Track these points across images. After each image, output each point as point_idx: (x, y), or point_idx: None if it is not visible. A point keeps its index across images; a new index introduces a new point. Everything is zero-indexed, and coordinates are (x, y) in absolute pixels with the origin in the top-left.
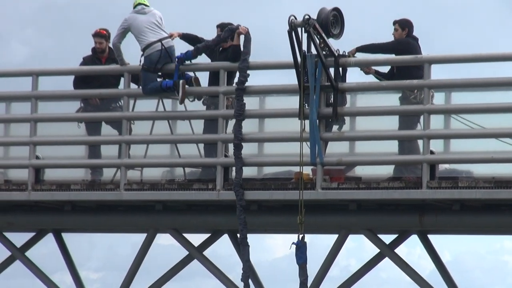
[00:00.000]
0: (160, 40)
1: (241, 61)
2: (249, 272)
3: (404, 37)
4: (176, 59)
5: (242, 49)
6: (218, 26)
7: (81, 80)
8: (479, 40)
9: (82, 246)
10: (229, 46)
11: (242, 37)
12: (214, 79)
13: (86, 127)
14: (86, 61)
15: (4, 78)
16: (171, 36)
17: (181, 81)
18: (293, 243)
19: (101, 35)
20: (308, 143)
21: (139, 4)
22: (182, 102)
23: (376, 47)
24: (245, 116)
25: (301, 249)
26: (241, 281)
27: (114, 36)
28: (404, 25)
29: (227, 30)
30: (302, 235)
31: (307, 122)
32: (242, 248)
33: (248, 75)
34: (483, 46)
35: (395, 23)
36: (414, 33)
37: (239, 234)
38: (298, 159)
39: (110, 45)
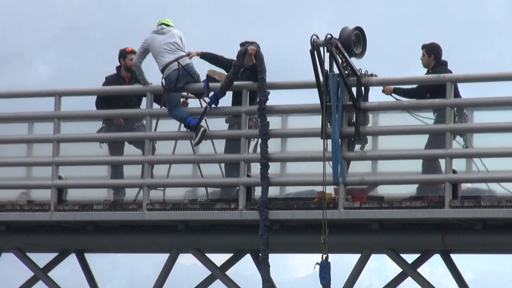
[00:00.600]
0: (176, 60)
1: (259, 80)
2: None
3: (432, 65)
4: (207, 104)
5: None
6: (241, 45)
7: (104, 100)
8: (502, 58)
9: (105, 267)
10: (249, 65)
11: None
12: (237, 99)
13: (109, 147)
14: (109, 80)
15: (26, 99)
16: (188, 54)
17: (202, 129)
18: (317, 263)
19: (134, 52)
20: (331, 162)
21: (161, 24)
22: (195, 145)
23: (409, 92)
24: (270, 135)
25: (325, 269)
26: None
27: (135, 56)
28: (430, 51)
29: (239, 57)
30: (325, 255)
31: (329, 141)
32: (263, 268)
33: (268, 93)
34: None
35: (423, 47)
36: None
37: (261, 254)
38: (321, 179)
39: None
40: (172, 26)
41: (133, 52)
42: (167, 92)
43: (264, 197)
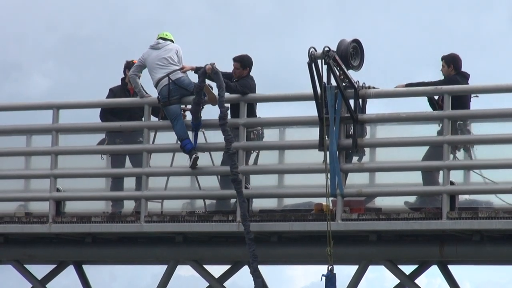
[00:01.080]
0: (167, 75)
1: (218, 97)
2: None
3: (453, 75)
4: (193, 127)
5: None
6: (234, 60)
7: (109, 112)
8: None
9: (103, 278)
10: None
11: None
12: (234, 111)
13: (111, 159)
14: (114, 92)
15: (25, 112)
16: (182, 68)
17: (194, 156)
18: (323, 275)
19: None
20: (329, 174)
21: (159, 38)
22: (189, 167)
23: (425, 85)
24: (264, 148)
25: (331, 280)
26: None
27: (132, 68)
28: (449, 61)
29: (199, 75)
30: (331, 266)
31: (327, 153)
32: (254, 280)
33: (227, 108)
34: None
35: (442, 59)
36: (434, 64)
37: (250, 267)
38: (318, 191)
39: None
40: (170, 40)
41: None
42: (163, 107)
43: (243, 211)
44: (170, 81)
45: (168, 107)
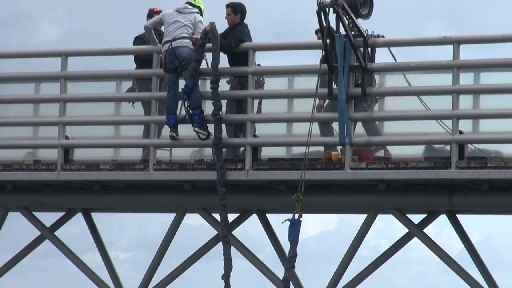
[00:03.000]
0: (171, 40)
1: (212, 59)
2: (229, 270)
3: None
4: (184, 97)
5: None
6: (226, 6)
7: (143, 61)
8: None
9: (112, 226)
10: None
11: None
12: (234, 59)
13: (143, 106)
14: (144, 38)
15: (34, 59)
16: (191, 39)
17: (170, 134)
18: (286, 219)
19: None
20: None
21: (187, 2)
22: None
23: None
24: (273, 96)
25: (294, 227)
26: (221, 279)
27: (150, 21)
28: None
29: (201, 34)
30: (298, 213)
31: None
32: (224, 247)
33: (219, 73)
34: None
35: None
36: (441, 16)
37: (221, 233)
38: (326, 140)
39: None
40: (198, 7)
41: (160, 12)
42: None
43: (221, 177)
44: (171, 47)
45: (166, 73)
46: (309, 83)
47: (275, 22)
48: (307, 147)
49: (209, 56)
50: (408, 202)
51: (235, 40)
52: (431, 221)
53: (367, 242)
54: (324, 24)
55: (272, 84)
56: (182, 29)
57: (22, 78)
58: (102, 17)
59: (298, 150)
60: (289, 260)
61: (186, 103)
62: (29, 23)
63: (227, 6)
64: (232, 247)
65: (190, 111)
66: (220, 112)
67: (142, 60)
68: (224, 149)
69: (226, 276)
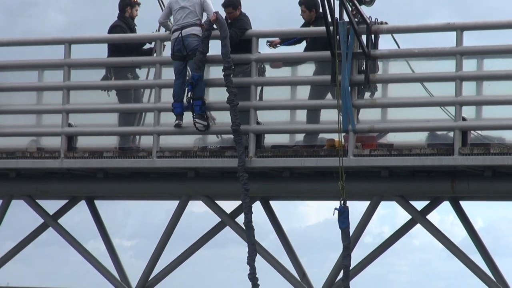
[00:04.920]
0: (181, 29)
1: (222, 47)
2: (254, 254)
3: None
4: (189, 88)
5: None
6: (225, 6)
7: (113, 51)
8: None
9: (116, 214)
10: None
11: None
12: (235, 48)
13: (117, 94)
14: (122, 28)
15: (38, 47)
16: (201, 25)
17: (176, 122)
18: (335, 208)
19: (139, 4)
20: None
21: None
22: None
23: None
24: (277, 83)
25: (344, 214)
26: (246, 264)
27: (160, 15)
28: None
29: (206, 25)
30: (343, 200)
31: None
32: (247, 232)
33: (231, 60)
34: None
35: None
36: (446, 4)
37: (245, 218)
38: (328, 126)
39: None
40: None
41: (138, 4)
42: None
43: (242, 162)
44: (180, 36)
45: (174, 61)
46: (310, 70)
47: (278, 9)
48: (340, 134)
49: (218, 44)
50: (411, 189)
51: (240, 29)
52: (434, 207)
53: (370, 229)
54: (328, 11)
55: (273, 72)
56: (190, 16)
57: (26, 66)
58: (109, 6)
59: (301, 138)
60: (346, 247)
61: (189, 93)
62: (35, 11)
63: (226, 6)
64: (235, 234)
65: (192, 101)
66: (235, 99)
67: (118, 49)
68: (223, 136)
69: (251, 260)
